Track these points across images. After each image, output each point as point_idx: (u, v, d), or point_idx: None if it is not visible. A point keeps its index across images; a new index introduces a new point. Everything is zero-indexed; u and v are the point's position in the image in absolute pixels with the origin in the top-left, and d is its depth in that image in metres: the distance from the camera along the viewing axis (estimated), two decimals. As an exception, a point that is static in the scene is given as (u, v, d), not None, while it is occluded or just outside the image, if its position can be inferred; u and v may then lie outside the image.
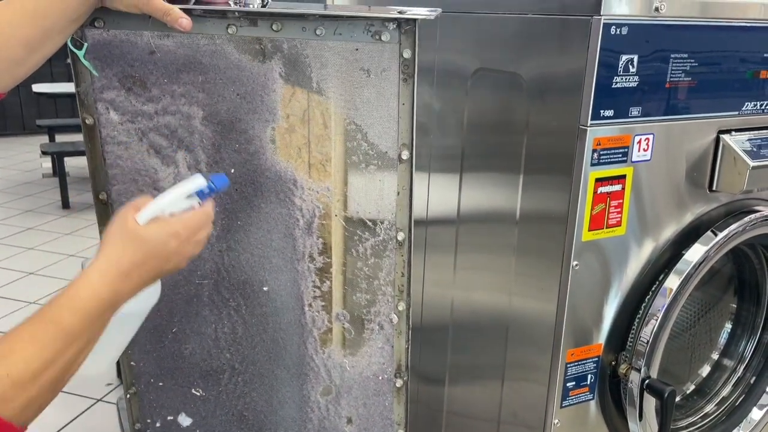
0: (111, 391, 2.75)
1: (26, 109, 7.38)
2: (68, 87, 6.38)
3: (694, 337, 1.61)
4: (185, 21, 0.86)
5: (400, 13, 0.89)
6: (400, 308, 1.00)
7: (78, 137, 6.44)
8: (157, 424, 1.11)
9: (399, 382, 1.04)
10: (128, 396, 1.10)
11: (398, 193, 0.94)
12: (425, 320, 1.67)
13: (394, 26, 0.89)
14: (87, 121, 0.90)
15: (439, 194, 1.56)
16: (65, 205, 5.13)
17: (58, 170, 5.16)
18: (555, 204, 1.22)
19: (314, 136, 0.99)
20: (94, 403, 2.67)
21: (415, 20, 0.90)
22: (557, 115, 1.20)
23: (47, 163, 5.99)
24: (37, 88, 5.97)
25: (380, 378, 1.02)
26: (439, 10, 0.94)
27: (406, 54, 0.88)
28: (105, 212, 0.96)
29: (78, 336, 0.76)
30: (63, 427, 2.51)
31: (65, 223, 4.81)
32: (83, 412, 2.61)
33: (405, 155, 0.91)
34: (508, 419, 1.45)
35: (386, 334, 1.00)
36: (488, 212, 1.43)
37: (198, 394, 1.09)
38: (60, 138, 6.09)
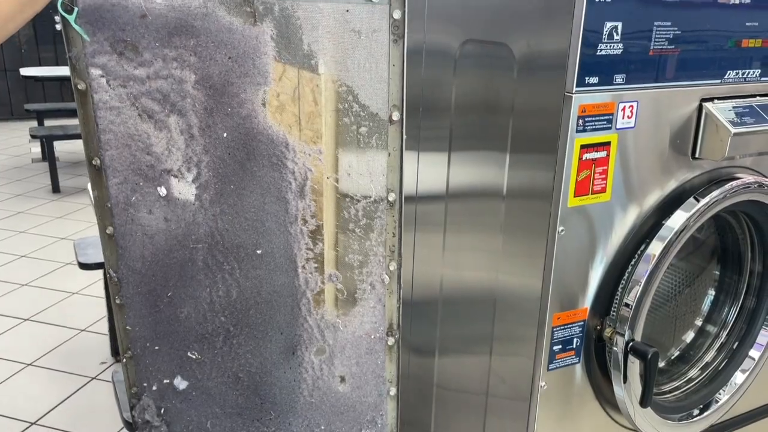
0: (105, 369, 2.77)
1: (14, 94, 7.33)
2: (56, 71, 6.34)
3: (677, 307, 1.64)
4: None
5: None
6: (392, 268, 1.02)
7: (67, 121, 6.42)
8: (153, 388, 1.14)
9: (391, 341, 1.06)
10: (124, 360, 1.12)
11: (389, 154, 0.96)
12: (415, 296, 1.69)
13: (384, -14, 0.90)
14: (79, 87, 0.91)
15: (429, 172, 1.58)
16: (55, 189, 5.13)
17: (48, 154, 5.15)
18: (541, 180, 1.25)
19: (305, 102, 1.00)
20: (89, 381, 2.69)
21: (404, -19, 0.91)
22: (544, 86, 1.22)
23: (36, 148, 5.97)
24: (25, 72, 5.93)
25: (372, 337, 1.04)
26: None
27: (396, 15, 0.89)
28: (98, 177, 0.97)
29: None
30: (57, 405, 2.53)
31: (56, 207, 4.81)
32: (78, 390, 2.63)
33: (396, 116, 0.93)
34: (496, 388, 1.48)
35: (378, 293, 1.02)
36: (476, 189, 1.45)
37: (193, 357, 1.11)
38: (49, 122, 6.06)
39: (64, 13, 0.91)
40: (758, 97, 1.38)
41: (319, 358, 1.08)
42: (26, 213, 4.67)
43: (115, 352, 2.85)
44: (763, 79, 1.38)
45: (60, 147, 5.23)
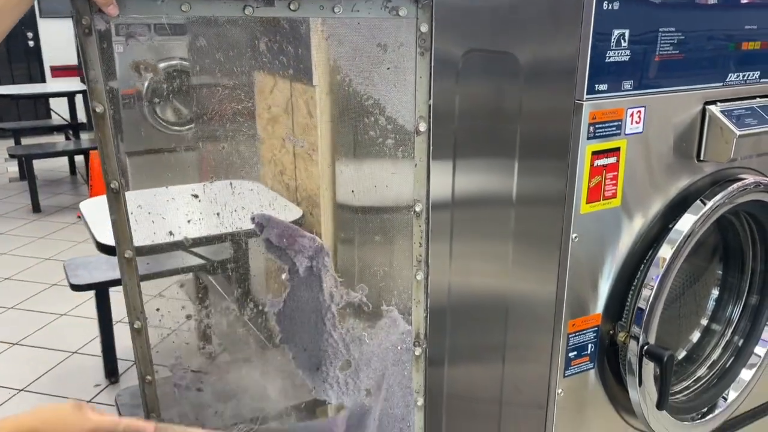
0: (100, 392, 2.73)
1: (-13, 113, 7.20)
2: (30, 88, 6.25)
3: (682, 307, 1.66)
4: (112, 8, 0.88)
5: None
6: (418, 278, 1.02)
7: (46, 139, 6.32)
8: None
9: (418, 351, 1.06)
10: (143, 385, 1.09)
11: (416, 165, 0.96)
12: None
13: (412, 1, 0.90)
14: (97, 110, 0.90)
15: (433, 181, 1.58)
16: (36, 208, 5.04)
17: (27, 173, 5.06)
18: (552, 187, 1.25)
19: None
20: (84, 405, 2.64)
21: (433, -6, 0.91)
22: (552, 94, 1.23)
23: (13, 167, 5.87)
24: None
25: (399, 348, 1.03)
26: None
27: (423, 28, 0.89)
28: (117, 201, 0.96)
29: None
30: None
31: (37, 227, 4.72)
32: (73, 414, 2.58)
33: (422, 127, 0.93)
34: (511, 396, 1.48)
35: (405, 304, 1.01)
36: (484, 197, 1.45)
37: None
38: (25, 141, 5.96)
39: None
40: (758, 99, 1.41)
41: (344, 373, 1.07)
42: (7, 234, 4.58)
43: (110, 374, 2.80)
44: (762, 80, 1.40)
45: (38, 165, 5.14)
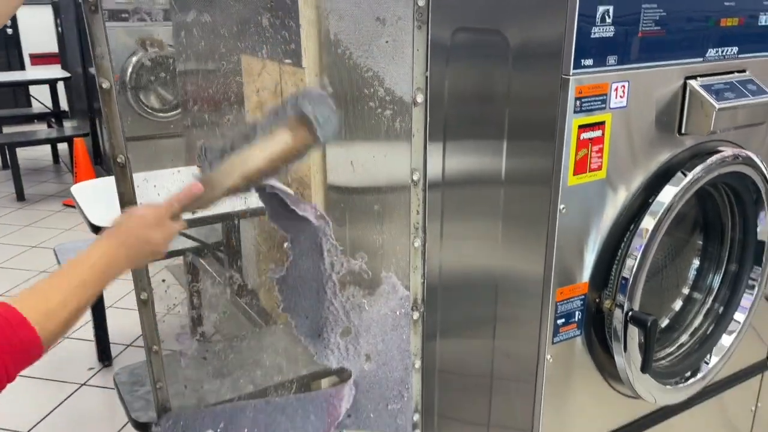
0: (93, 375, 2.75)
1: (-35, 103, 7.10)
2: (9, 76, 6.18)
3: (664, 280, 1.71)
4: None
5: None
6: (416, 245, 1.06)
7: (26, 128, 6.26)
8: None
9: (416, 315, 1.10)
10: (150, 355, 1.13)
11: (413, 135, 1.00)
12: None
13: (410, -25, 0.93)
14: (104, 85, 0.92)
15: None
16: (20, 197, 5.01)
17: (11, 162, 5.02)
18: (540, 162, 1.29)
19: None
20: (78, 388, 2.66)
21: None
22: (539, 71, 1.27)
23: (-5, 156, 5.82)
24: (-21, 78, 5.77)
25: (398, 313, 1.08)
26: None
27: (421, 2, 0.92)
28: (123, 174, 0.98)
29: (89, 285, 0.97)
30: (49, 414, 2.50)
31: (22, 216, 4.70)
32: (68, 397, 2.60)
33: (419, 98, 0.96)
34: (502, 367, 1.52)
35: (403, 270, 1.05)
36: (474, 176, 1.49)
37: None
38: (7, 129, 5.91)
39: None
40: (736, 74, 1.46)
41: (344, 339, 1.11)
42: (-8, 223, 4.56)
43: (103, 357, 2.82)
44: (740, 56, 1.45)
45: (19, 154, 5.10)
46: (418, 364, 1.13)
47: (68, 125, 6.10)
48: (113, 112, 0.93)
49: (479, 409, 1.61)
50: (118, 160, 0.96)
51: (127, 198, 0.99)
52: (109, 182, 3.03)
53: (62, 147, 5.94)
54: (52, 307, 0.92)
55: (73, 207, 4.75)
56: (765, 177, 1.54)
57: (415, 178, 1.04)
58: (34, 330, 0.89)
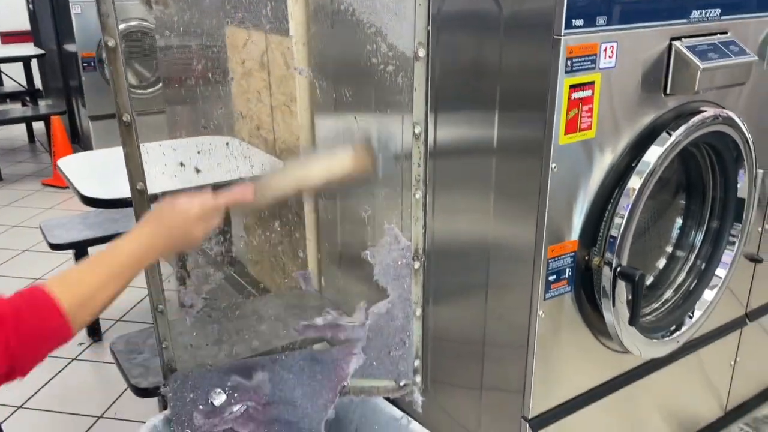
0: (84, 349, 2.76)
1: (-65, 82, 6.94)
2: (-18, 54, 6.03)
3: (649, 240, 1.77)
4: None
5: None
6: (417, 196, 1.08)
7: (1, 107, 6.13)
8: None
9: (417, 264, 1.13)
10: (155, 314, 1.15)
11: (415, 89, 1.02)
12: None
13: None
14: (109, 43, 0.93)
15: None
16: (-3, 177, 4.94)
17: (-14, 141, 4.93)
18: (532, 123, 1.32)
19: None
20: (69, 362, 2.67)
21: None
22: (532, 33, 1.30)
23: (-31, 136, 5.71)
24: (-51, 56, 5.63)
25: (399, 263, 1.11)
26: None
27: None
28: (128, 133, 0.99)
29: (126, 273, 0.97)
30: (42, 387, 2.51)
31: (1, 195, 4.64)
32: (60, 371, 2.61)
33: (421, 53, 0.98)
34: (494, 329, 1.56)
35: (404, 221, 1.08)
36: (467, 144, 1.51)
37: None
38: (-19, 108, 5.79)
39: None
40: (719, 35, 1.50)
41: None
42: (-30, 203, 4.49)
43: (92, 333, 2.83)
44: (723, 17, 1.49)
45: (-4, 134, 5.03)
46: (419, 312, 1.17)
47: (43, 104, 5.99)
48: (119, 70, 0.94)
49: (472, 373, 1.65)
50: (124, 118, 0.97)
51: (132, 158, 1.00)
52: (93, 156, 3.00)
53: (37, 126, 5.84)
54: (88, 293, 0.92)
55: (53, 186, 4.71)
56: (745, 136, 1.59)
57: (416, 131, 1.06)
58: (64, 317, 0.89)
